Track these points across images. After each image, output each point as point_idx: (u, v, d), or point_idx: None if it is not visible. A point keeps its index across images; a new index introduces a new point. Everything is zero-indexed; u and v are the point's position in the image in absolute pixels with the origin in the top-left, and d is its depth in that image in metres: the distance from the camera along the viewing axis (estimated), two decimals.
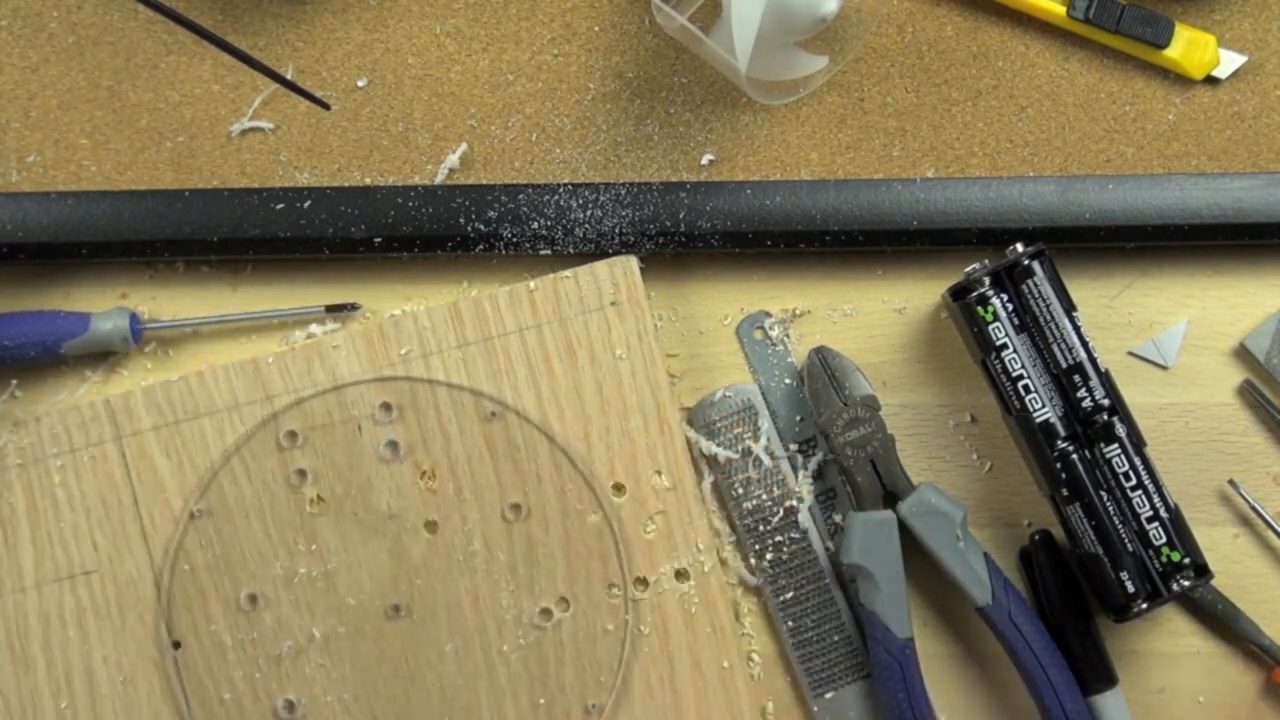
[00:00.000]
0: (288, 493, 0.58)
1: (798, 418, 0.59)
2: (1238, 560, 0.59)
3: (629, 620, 0.57)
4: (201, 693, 0.57)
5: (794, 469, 0.59)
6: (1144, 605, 0.55)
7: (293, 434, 0.58)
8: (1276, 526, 0.58)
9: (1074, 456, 0.55)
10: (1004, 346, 0.56)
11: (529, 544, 0.58)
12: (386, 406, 0.58)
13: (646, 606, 0.57)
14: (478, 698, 0.57)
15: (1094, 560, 0.55)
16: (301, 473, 0.58)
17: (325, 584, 0.57)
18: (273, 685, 0.57)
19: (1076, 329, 0.55)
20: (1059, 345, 0.55)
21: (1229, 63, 0.59)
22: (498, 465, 0.58)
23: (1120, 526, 0.55)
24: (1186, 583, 0.55)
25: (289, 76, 0.59)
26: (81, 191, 0.59)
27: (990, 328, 0.56)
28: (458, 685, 0.57)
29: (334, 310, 0.60)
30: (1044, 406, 0.55)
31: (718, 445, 0.59)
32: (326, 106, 0.55)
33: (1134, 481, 0.55)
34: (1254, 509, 0.59)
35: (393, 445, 0.58)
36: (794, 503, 0.59)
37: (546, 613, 0.57)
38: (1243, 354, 0.60)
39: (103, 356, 0.60)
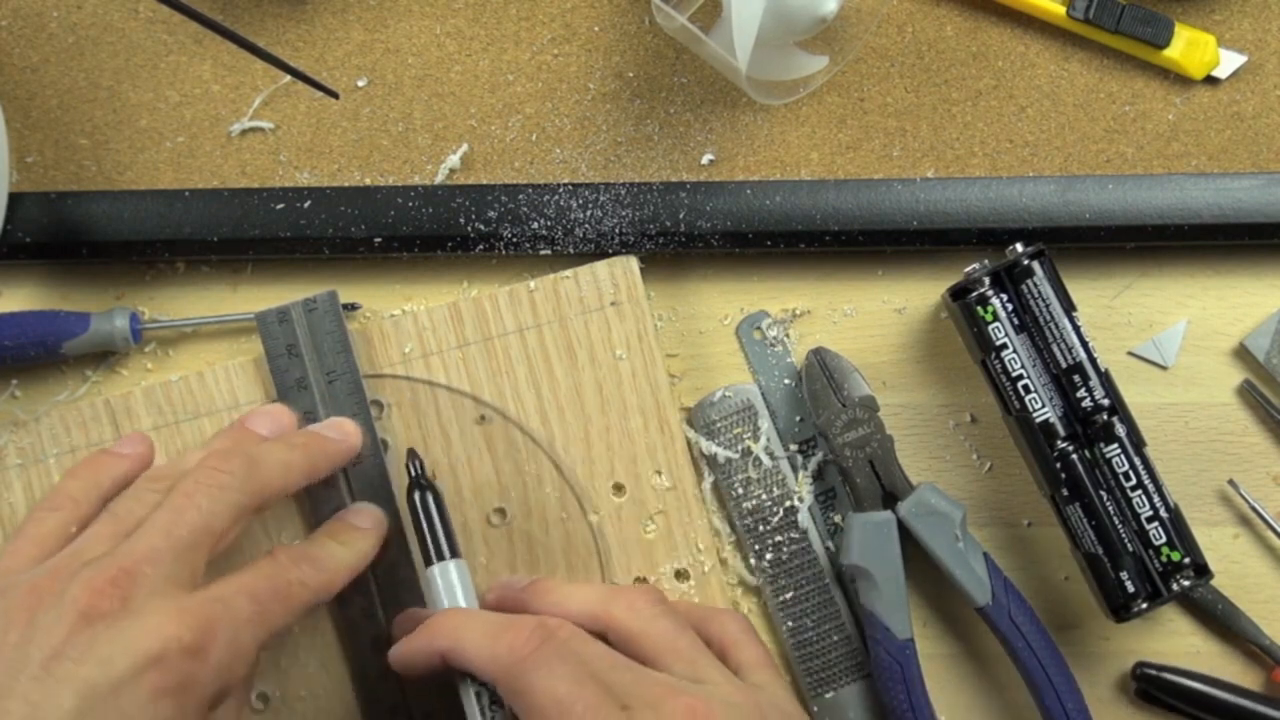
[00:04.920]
0: None
1: (797, 418, 0.60)
2: (1238, 560, 0.59)
3: None
4: None
5: (794, 469, 0.59)
6: (1144, 605, 0.55)
7: None
8: (1276, 526, 0.58)
9: (1074, 456, 0.55)
10: (1004, 346, 0.56)
11: (528, 544, 0.58)
12: (377, 404, 0.58)
13: None
14: None
15: (1094, 560, 0.55)
16: None
17: None
18: (270, 680, 0.57)
19: (1076, 329, 0.55)
20: (1059, 345, 0.55)
21: (1229, 63, 0.59)
22: (498, 466, 0.58)
23: (1120, 526, 0.55)
24: (1186, 583, 0.55)
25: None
26: (81, 191, 0.59)
27: (990, 328, 0.56)
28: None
29: None
30: (1044, 406, 0.55)
31: (718, 445, 0.59)
32: (335, 95, 0.55)
33: (1134, 481, 0.55)
34: (1254, 509, 0.59)
35: (382, 444, 0.58)
36: (794, 503, 0.59)
37: None
38: (1243, 354, 0.60)
39: (103, 356, 0.60)
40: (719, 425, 0.59)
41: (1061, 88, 0.60)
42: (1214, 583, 0.58)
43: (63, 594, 0.44)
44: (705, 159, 0.60)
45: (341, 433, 0.55)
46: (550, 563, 0.57)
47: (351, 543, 0.53)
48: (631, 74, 0.60)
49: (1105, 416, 0.55)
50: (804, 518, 0.59)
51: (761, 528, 0.59)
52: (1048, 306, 0.55)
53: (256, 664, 0.48)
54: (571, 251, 0.59)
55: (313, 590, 0.50)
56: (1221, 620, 0.58)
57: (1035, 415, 0.55)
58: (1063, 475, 0.55)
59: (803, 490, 0.59)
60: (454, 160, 0.60)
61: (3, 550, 0.48)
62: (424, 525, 0.53)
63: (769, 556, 0.58)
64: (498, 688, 0.47)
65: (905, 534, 0.56)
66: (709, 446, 0.59)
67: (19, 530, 0.49)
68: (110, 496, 0.51)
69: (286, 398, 0.56)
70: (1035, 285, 0.55)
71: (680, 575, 0.58)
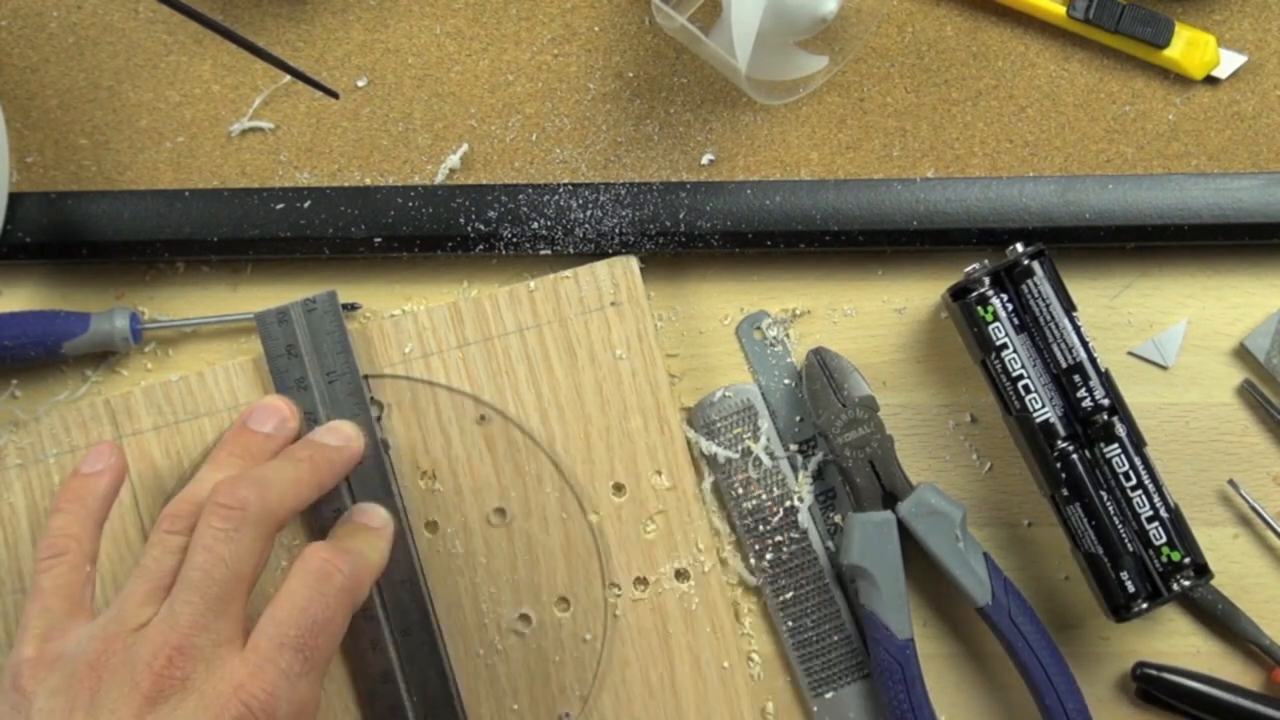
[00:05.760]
0: None
1: (797, 418, 0.59)
2: (1238, 560, 0.59)
3: (606, 631, 0.57)
4: None
5: (794, 469, 0.59)
6: (1144, 605, 0.55)
7: None
8: (1276, 526, 0.58)
9: (1074, 456, 0.55)
10: (1004, 346, 0.56)
11: (528, 544, 0.58)
12: (377, 404, 0.58)
13: (646, 606, 0.57)
14: (478, 698, 0.57)
15: (1094, 560, 0.55)
16: None
17: None
18: None
19: (1076, 329, 0.55)
20: (1059, 345, 0.55)
21: (1229, 63, 0.59)
22: (498, 466, 0.58)
23: (1120, 526, 0.55)
24: (1186, 583, 0.55)
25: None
26: (81, 191, 0.59)
27: (990, 328, 0.56)
28: (459, 685, 0.57)
29: None
30: (1044, 406, 0.55)
31: (718, 445, 0.59)
32: (335, 95, 0.55)
33: (1134, 481, 0.55)
34: (1254, 509, 0.59)
35: (383, 444, 0.58)
36: (794, 503, 0.59)
37: (534, 616, 0.57)
38: (1243, 354, 0.60)
39: (103, 356, 0.60)
40: (719, 425, 0.59)
41: (1061, 88, 0.60)
42: (1214, 583, 0.58)
43: (124, 671, 0.45)
44: (705, 159, 0.60)
45: (342, 438, 0.55)
46: (550, 562, 0.57)
47: (374, 545, 0.53)
48: (631, 74, 0.60)
49: (1105, 416, 0.55)
50: (804, 518, 0.59)
51: (761, 528, 0.59)
52: (1048, 306, 0.55)
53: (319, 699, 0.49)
54: (571, 251, 0.59)
55: (350, 608, 0.50)
56: (1221, 620, 0.58)
57: (1035, 415, 0.55)
58: (1063, 475, 0.55)
59: (803, 490, 0.59)
60: (454, 160, 0.59)
61: (29, 611, 0.49)
62: None
63: (769, 556, 0.58)
64: None
65: (905, 534, 0.56)
66: (709, 446, 0.59)
67: (35, 587, 0.50)
68: (104, 518, 0.52)
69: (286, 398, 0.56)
70: (1035, 285, 0.55)
71: (680, 575, 0.58)
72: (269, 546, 0.49)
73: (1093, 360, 0.55)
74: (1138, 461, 0.55)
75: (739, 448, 0.59)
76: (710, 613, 0.57)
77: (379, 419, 0.58)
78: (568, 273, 0.58)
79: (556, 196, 0.58)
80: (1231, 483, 0.59)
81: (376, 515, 0.55)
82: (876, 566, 0.56)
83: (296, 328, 0.57)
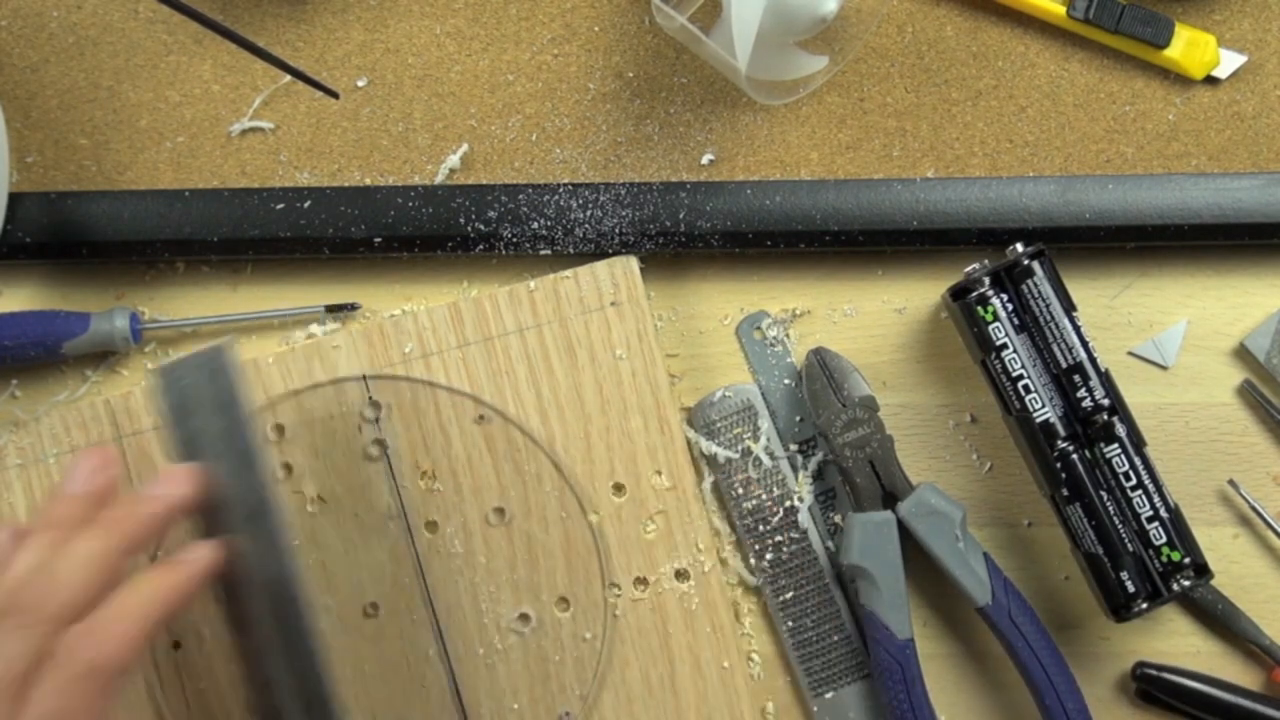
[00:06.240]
0: (283, 490, 0.58)
1: (797, 418, 0.60)
2: (1238, 560, 0.59)
3: (606, 631, 0.57)
4: (201, 694, 0.57)
5: (794, 469, 0.59)
6: (1144, 605, 0.55)
7: (280, 428, 0.58)
8: (1276, 526, 0.58)
9: (1074, 456, 0.55)
10: (1004, 346, 0.56)
11: (528, 544, 0.58)
12: (375, 404, 0.58)
13: (646, 606, 0.57)
14: (478, 698, 0.57)
15: (1094, 560, 0.55)
16: (288, 467, 0.58)
17: (325, 582, 0.57)
18: None
19: (1076, 329, 0.55)
20: (1059, 345, 0.55)
21: (1229, 63, 0.59)
22: (498, 466, 0.58)
23: (1120, 526, 0.55)
24: (1186, 583, 0.55)
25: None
26: (81, 191, 0.59)
27: (990, 328, 0.56)
28: (460, 685, 0.57)
29: (334, 310, 0.60)
30: (1044, 406, 0.55)
31: (718, 445, 0.59)
32: (335, 95, 0.55)
33: (1134, 481, 0.55)
34: (1254, 509, 0.59)
35: (380, 444, 0.58)
36: (794, 503, 0.59)
37: (534, 616, 0.58)
38: (1243, 354, 0.60)
39: (103, 356, 0.60)
40: (719, 425, 0.59)
41: (1061, 88, 0.60)
42: (1214, 583, 0.58)
43: None
44: (705, 159, 0.60)
45: (172, 484, 0.50)
46: (550, 562, 0.57)
47: (138, 586, 0.48)
48: (631, 74, 0.60)
49: (1105, 416, 0.55)
50: (804, 518, 0.59)
51: (761, 528, 0.59)
52: (1048, 306, 0.55)
53: None
54: (571, 251, 0.59)
55: (106, 671, 0.46)
56: (1221, 620, 0.58)
57: (1035, 415, 0.55)
58: (1063, 475, 0.55)
59: (803, 490, 0.59)
60: (454, 160, 0.60)
61: None
62: None
63: (769, 556, 0.58)
64: None
65: (905, 534, 0.56)
66: (709, 446, 0.59)
67: None
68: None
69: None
70: (1035, 285, 0.55)
71: (680, 575, 0.58)
72: (45, 643, 0.46)
73: (1093, 360, 0.55)
74: (1138, 461, 0.55)
75: (739, 448, 0.59)
76: (710, 613, 0.58)
77: (378, 420, 0.58)
78: (568, 273, 0.58)
79: (556, 196, 0.58)
80: (1231, 483, 0.59)
81: (191, 550, 0.49)
82: (876, 566, 0.56)
83: (185, 382, 0.50)
